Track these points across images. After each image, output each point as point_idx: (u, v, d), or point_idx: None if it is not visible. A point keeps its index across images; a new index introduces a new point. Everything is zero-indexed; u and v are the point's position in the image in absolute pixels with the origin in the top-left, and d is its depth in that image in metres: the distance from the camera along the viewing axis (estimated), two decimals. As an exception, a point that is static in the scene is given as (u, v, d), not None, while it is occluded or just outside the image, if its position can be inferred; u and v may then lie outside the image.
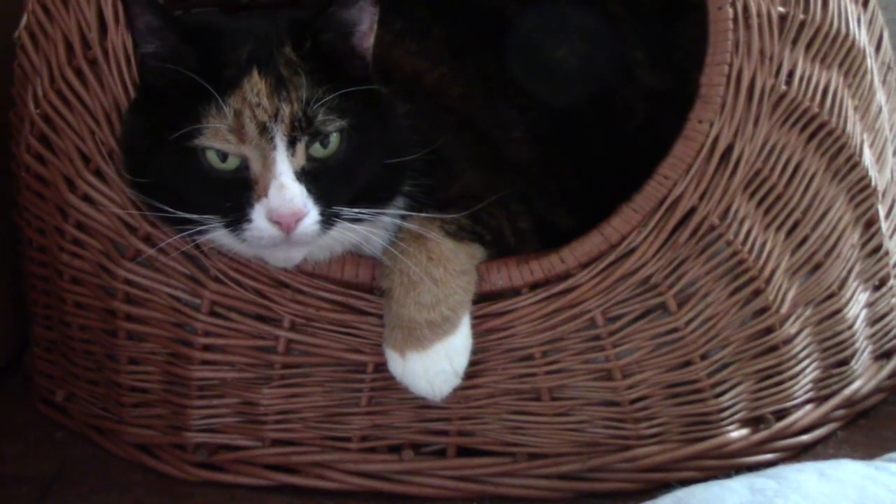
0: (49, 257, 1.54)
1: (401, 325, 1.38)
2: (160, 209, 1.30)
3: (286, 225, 1.26)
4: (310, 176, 1.28)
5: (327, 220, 1.29)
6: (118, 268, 1.46)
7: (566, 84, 1.63)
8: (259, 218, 1.27)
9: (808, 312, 1.50)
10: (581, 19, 1.66)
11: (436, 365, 1.38)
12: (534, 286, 1.42)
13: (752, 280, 1.45)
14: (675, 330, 1.44)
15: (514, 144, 1.58)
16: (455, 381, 1.39)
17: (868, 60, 1.51)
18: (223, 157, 1.28)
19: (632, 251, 1.41)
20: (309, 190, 1.27)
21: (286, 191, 1.26)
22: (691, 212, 1.41)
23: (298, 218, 1.27)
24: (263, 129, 1.27)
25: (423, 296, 1.36)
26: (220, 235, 1.31)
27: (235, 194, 1.28)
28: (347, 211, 1.30)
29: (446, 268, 1.37)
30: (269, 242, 1.28)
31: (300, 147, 1.28)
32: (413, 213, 1.38)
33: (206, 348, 1.46)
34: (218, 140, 1.27)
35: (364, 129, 1.32)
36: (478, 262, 1.41)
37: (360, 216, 1.31)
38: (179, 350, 1.47)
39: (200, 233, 1.31)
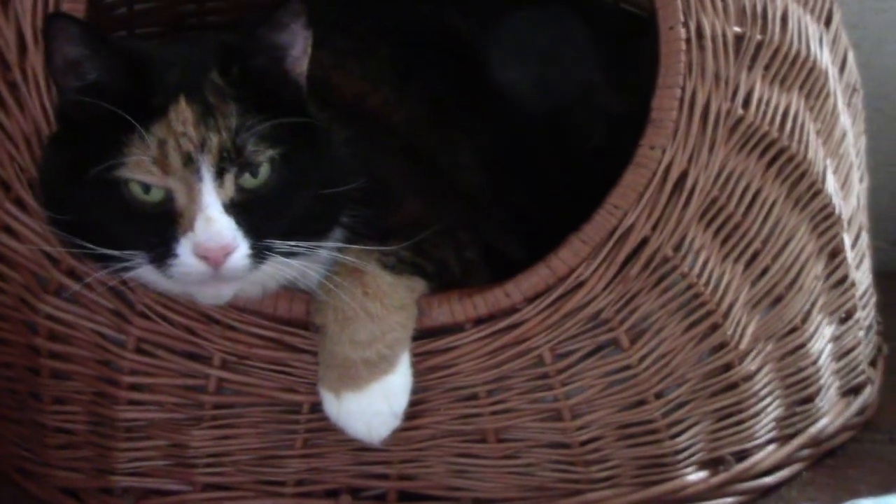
0: (-30, 291, 1.45)
1: (335, 364, 1.30)
2: (83, 246, 1.22)
3: (214, 260, 1.19)
4: (239, 208, 1.21)
5: (259, 255, 1.21)
6: (40, 302, 1.38)
7: (518, 107, 1.55)
8: (185, 253, 1.19)
9: (769, 348, 1.43)
10: (537, 40, 1.59)
11: (373, 406, 1.30)
12: (478, 321, 1.34)
13: (709, 314, 1.37)
14: (627, 367, 1.36)
15: (462, 170, 1.51)
16: (394, 422, 1.31)
17: (831, 82, 1.44)
18: (146, 188, 1.20)
19: (580, 285, 1.33)
20: (238, 223, 1.20)
21: (213, 224, 1.19)
22: (643, 243, 1.33)
23: (227, 252, 1.19)
24: (189, 160, 1.19)
25: (359, 333, 1.29)
26: (145, 272, 1.23)
27: (160, 228, 1.20)
28: (280, 244, 1.22)
29: (383, 303, 1.29)
30: (197, 279, 1.21)
31: (229, 178, 1.20)
32: (350, 246, 1.30)
33: (133, 387, 1.38)
34: (140, 172, 1.19)
35: (297, 158, 1.24)
36: (418, 295, 1.34)
37: (294, 250, 1.24)
38: (105, 389, 1.39)
39: (126, 269, 1.23)
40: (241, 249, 1.20)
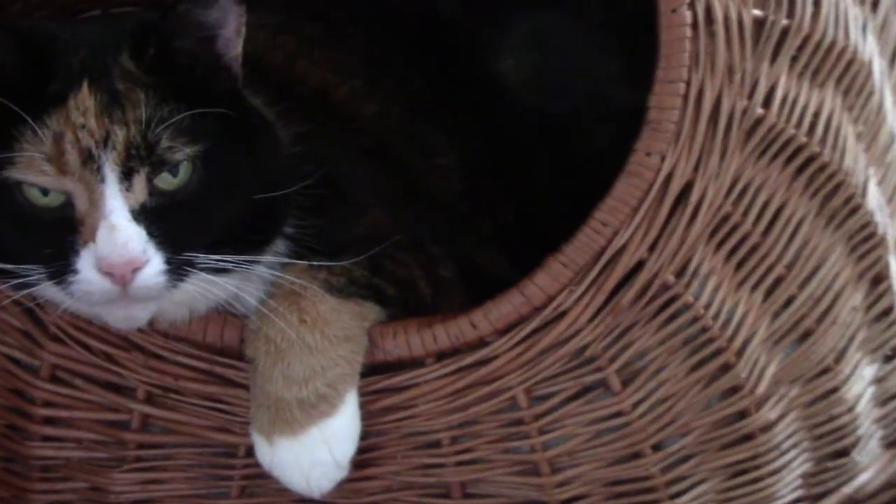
0: None
1: (267, 404, 1.11)
2: None
3: (120, 276, 1.00)
4: (152, 215, 1.02)
5: (176, 271, 1.03)
6: (-56, 320, 1.20)
7: (511, 102, 1.35)
8: (86, 268, 1.01)
9: (794, 392, 1.21)
10: (538, 25, 1.38)
11: (311, 454, 1.10)
12: (440, 356, 1.15)
13: (718, 352, 1.16)
14: (619, 414, 1.16)
15: (440, 174, 1.31)
16: (338, 473, 1.11)
17: (876, 77, 1.21)
18: (45, 192, 1.02)
19: (561, 316, 1.13)
20: (150, 232, 1.01)
21: (118, 233, 1.00)
22: (638, 267, 1.12)
23: (135, 267, 1.00)
24: (89, 158, 1.01)
25: (294, 368, 1.09)
26: (47, 288, 1.04)
27: (58, 239, 1.02)
28: (204, 258, 1.03)
29: (324, 332, 1.10)
30: (102, 298, 1.02)
31: (138, 179, 1.01)
32: (294, 262, 1.10)
33: (47, 421, 1.21)
34: (32, 171, 1.01)
35: (226, 156, 1.05)
36: (371, 324, 1.14)
37: (222, 266, 1.04)
38: (17, 422, 1.22)
39: (25, 286, 1.04)
40: (154, 264, 1.01)
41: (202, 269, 1.04)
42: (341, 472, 1.12)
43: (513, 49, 1.37)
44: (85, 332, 1.17)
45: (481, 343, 1.14)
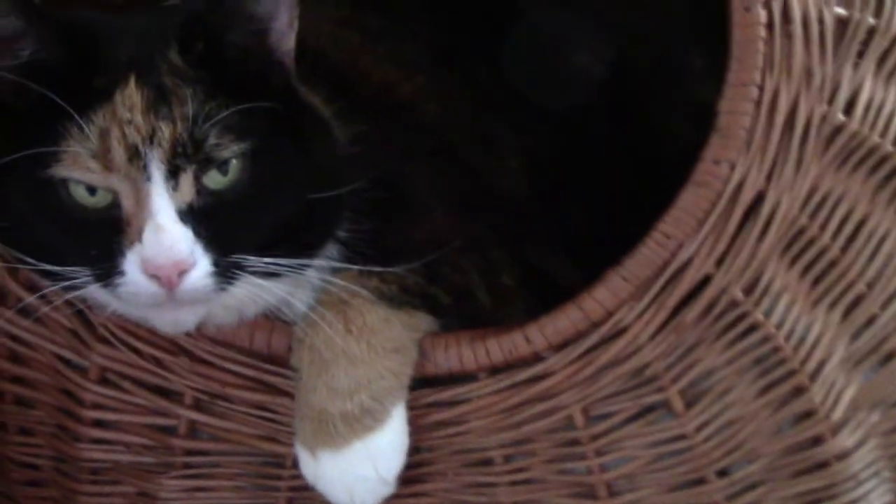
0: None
1: (311, 416, 1.07)
2: (22, 260, 1.02)
3: (167, 279, 0.97)
4: (200, 215, 0.98)
5: (224, 274, 0.99)
6: (-1, 317, 1.18)
7: (584, 97, 1.28)
8: (133, 270, 0.97)
9: (875, 418, 1.12)
10: (619, 15, 1.31)
11: (355, 469, 1.06)
12: (494, 371, 1.09)
13: (791, 374, 1.08)
14: (681, 437, 1.09)
15: (507, 175, 1.24)
16: (383, 489, 1.07)
17: (974, 81, 1.12)
18: (91, 190, 0.99)
19: (621, 332, 1.06)
20: (198, 233, 0.97)
21: (164, 235, 0.96)
22: (704, 282, 1.05)
23: (182, 270, 0.97)
24: (135, 155, 0.97)
25: (338, 379, 1.05)
26: (93, 291, 1.01)
27: (105, 239, 0.98)
28: (254, 261, 0.99)
29: (370, 343, 1.05)
30: (149, 301, 0.99)
31: (186, 178, 0.98)
32: (349, 266, 1.06)
33: (97, 423, 1.18)
34: (78, 168, 0.97)
35: (276, 153, 1.01)
36: (422, 334, 1.09)
37: (272, 269, 1.00)
38: (66, 423, 1.19)
39: (72, 287, 1.01)
40: (201, 267, 0.98)
41: (251, 273, 1.00)
42: (386, 489, 1.07)
43: (590, 41, 1.31)
44: (133, 335, 1.14)
45: (536, 358, 1.08)
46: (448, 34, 1.29)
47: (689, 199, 1.04)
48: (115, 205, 0.98)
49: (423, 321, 1.09)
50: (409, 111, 1.22)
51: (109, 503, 1.20)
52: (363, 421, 1.05)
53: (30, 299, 1.11)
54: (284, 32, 1.03)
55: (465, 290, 1.13)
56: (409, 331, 1.08)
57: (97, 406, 1.17)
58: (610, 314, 1.06)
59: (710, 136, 1.03)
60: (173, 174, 0.97)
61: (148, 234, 0.96)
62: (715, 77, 1.22)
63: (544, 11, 1.31)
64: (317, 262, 1.06)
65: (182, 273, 0.97)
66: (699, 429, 1.09)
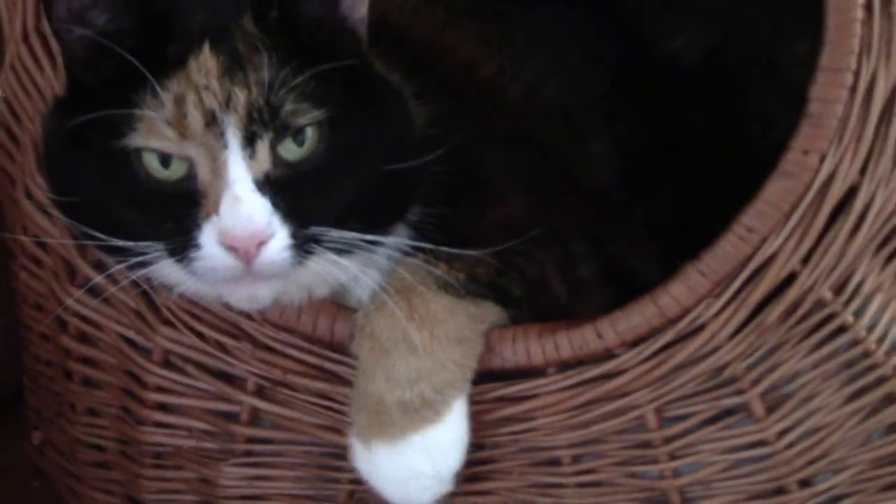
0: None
1: (368, 407, 1.02)
2: (91, 235, 1.00)
3: (244, 251, 0.93)
4: (277, 186, 0.95)
5: (302, 247, 0.95)
6: (67, 295, 1.17)
7: (679, 84, 1.22)
8: (209, 242, 0.94)
9: (972, 431, 1.05)
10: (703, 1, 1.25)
11: (411, 463, 1.02)
12: (563, 367, 1.04)
13: (882, 381, 1.02)
14: (761, 443, 1.03)
15: (592, 163, 1.19)
16: (439, 486, 1.03)
17: None
18: (165, 161, 0.96)
19: (698, 330, 1.01)
20: (276, 204, 0.94)
21: (242, 205, 0.93)
22: (789, 280, 0.99)
23: (260, 241, 0.93)
24: (212, 121, 0.94)
25: (398, 368, 1.01)
26: (166, 267, 0.99)
27: (181, 212, 0.95)
28: (332, 235, 0.96)
29: (433, 332, 1.01)
30: (226, 274, 0.95)
31: (262, 146, 0.94)
32: (417, 245, 1.02)
33: (160, 407, 1.16)
34: (153, 136, 0.95)
35: (353, 123, 0.97)
36: (489, 326, 1.04)
37: (350, 243, 0.96)
38: (131, 406, 1.17)
39: (142, 264, 0.99)
40: (279, 239, 0.94)
41: (328, 247, 0.96)
42: (443, 486, 1.03)
43: (686, 25, 1.25)
44: (197, 318, 1.12)
45: (608, 355, 1.03)
46: (538, 16, 1.23)
47: (775, 191, 0.98)
48: (190, 176, 0.95)
49: (491, 312, 1.04)
50: (491, 91, 1.17)
51: (171, 488, 1.18)
52: (422, 412, 1.01)
53: (98, 279, 1.09)
54: (356, 1, 0.98)
55: (539, 281, 1.08)
56: (475, 322, 1.03)
57: (160, 389, 1.15)
58: (686, 311, 1.00)
59: (800, 124, 0.97)
60: (250, 141, 0.94)
61: (225, 205, 0.93)
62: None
63: None
64: (390, 239, 1.01)
65: (260, 245, 0.93)
66: (781, 435, 1.03)
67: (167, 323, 1.13)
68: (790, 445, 1.03)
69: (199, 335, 1.12)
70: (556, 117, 1.19)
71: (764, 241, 0.98)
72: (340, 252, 0.97)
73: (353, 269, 0.99)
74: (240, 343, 1.10)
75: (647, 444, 1.04)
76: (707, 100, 1.23)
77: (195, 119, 0.94)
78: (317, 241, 0.95)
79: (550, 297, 1.09)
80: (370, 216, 0.98)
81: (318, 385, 1.09)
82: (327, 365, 1.08)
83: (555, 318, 1.06)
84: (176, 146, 0.94)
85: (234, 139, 0.94)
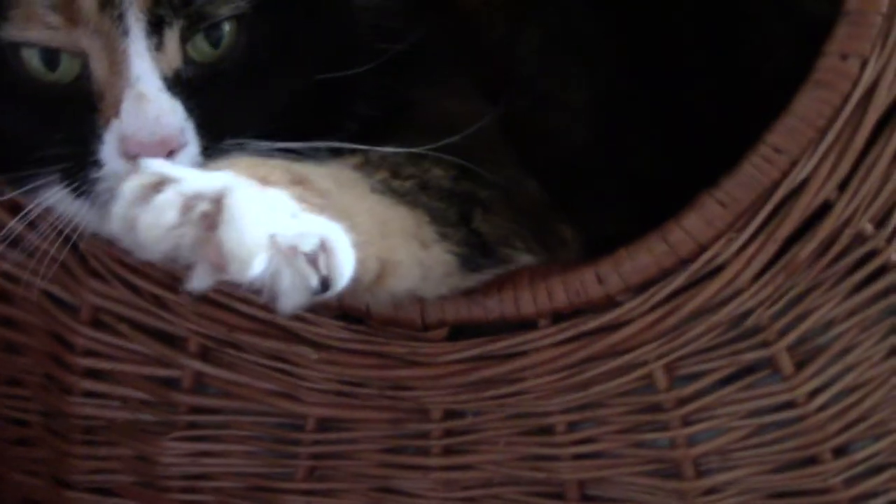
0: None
1: None
2: None
3: (151, 154, 0.78)
4: (190, 88, 0.80)
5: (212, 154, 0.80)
6: (-22, 245, 1.03)
7: (666, 16, 1.07)
8: (111, 155, 0.80)
9: None
10: None
11: None
12: (557, 318, 0.89)
13: (931, 330, 0.87)
14: (789, 405, 0.90)
15: (565, 116, 1.03)
16: None
17: None
18: (52, 61, 0.80)
19: (716, 271, 0.87)
20: (189, 109, 0.80)
21: (148, 104, 0.79)
22: (823, 210, 0.85)
23: (170, 149, 0.79)
24: (106, 2, 0.78)
25: None
26: (62, 200, 0.84)
27: (75, 123, 0.81)
28: (253, 146, 0.81)
29: None
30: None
31: (171, 37, 0.80)
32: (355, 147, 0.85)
33: (89, 373, 1.01)
34: (33, 24, 0.79)
35: (280, 15, 0.83)
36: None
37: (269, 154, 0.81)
38: (56, 372, 1.02)
39: (35, 194, 0.84)
40: (191, 150, 0.80)
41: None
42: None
43: None
44: (129, 269, 0.97)
45: (610, 303, 0.89)
46: None
47: (807, 104, 0.83)
48: (83, 76, 0.80)
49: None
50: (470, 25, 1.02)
51: (104, 467, 1.04)
52: None
53: (11, 224, 0.94)
54: None
55: (506, 212, 0.91)
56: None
57: (90, 353, 1.01)
58: (702, 248, 0.86)
59: (837, 23, 0.82)
60: (156, 29, 0.79)
61: (127, 106, 0.79)
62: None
63: None
64: (317, 144, 0.85)
65: (170, 154, 0.79)
66: (812, 395, 0.89)
67: (96, 275, 0.98)
68: (823, 407, 0.89)
69: (133, 288, 0.97)
70: (536, 65, 1.04)
71: (794, 163, 0.84)
72: None
73: None
74: (179, 297, 0.95)
75: (655, 408, 0.91)
76: (690, 32, 1.08)
77: (86, 0, 0.78)
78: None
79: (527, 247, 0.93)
80: (297, 128, 0.83)
81: (270, 344, 0.95)
82: (280, 320, 0.94)
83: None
84: (63, 36, 0.79)
85: (136, 25, 0.79)
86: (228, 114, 0.81)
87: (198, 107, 0.80)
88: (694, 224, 0.86)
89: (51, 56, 0.80)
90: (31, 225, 0.93)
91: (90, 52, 0.79)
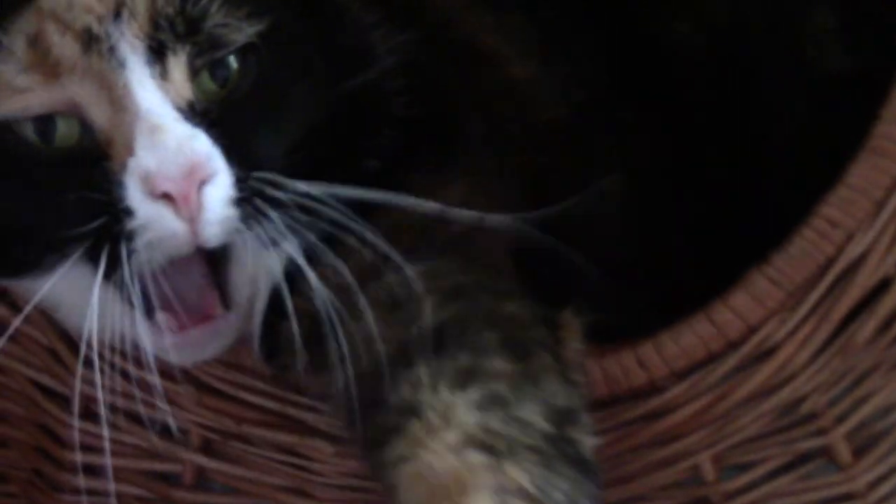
0: None
1: None
2: None
3: (183, 194, 0.69)
4: (206, 117, 0.72)
5: (251, 202, 0.72)
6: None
7: (683, 77, 1.02)
8: (138, 197, 0.70)
9: None
10: None
11: None
12: (595, 406, 0.83)
13: None
14: (848, 497, 0.85)
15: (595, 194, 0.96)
16: None
17: None
18: (44, 130, 0.72)
19: (768, 354, 0.82)
20: (211, 136, 0.71)
21: (165, 133, 0.70)
22: (883, 287, 0.80)
23: (202, 178, 0.70)
24: (91, 40, 0.71)
25: None
26: (80, 277, 0.74)
27: (91, 187, 0.71)
28: (287, 183, 0.72)
29: None
30: (170, 245, 0.71)
31: (177, 64, 0.72)
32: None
33: (82, 469, 0.94)
34: (8, 95, 0.71)
35: (290, 35, 0.76)
36: None
37: (308, 199, 0.72)
38: (44, 468, 0.97)
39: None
40: (223, 179, 0.71)
41: (283, 202, 0.72)
42: None
43: (689, 7, 1.05)
44: (124, 356, 0.90)
45: (653, 389, 0.83)
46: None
47: (864, 173, 0.79)
48: (86, 134, 0.72)
49: None
50: (490, 65, 0.95)
51: (97, 576, 0.97)
52: None
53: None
54: None
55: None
56: None
57: (82, 447, 0.93)
58: (753, 330, 0.81)
59: (891, 90, 0.77)
60: (158, 56, 0.71)
61: (142, 140, 0.70)
62: (849, 42, 1.01)
63: None
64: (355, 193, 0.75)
65: (202, 184, 0.70)
66: (872, 486, 0.85)
67: (88, 363, 0.91)
68: (884, 499, 0.85)
69: (128, 377, 0.90)
70: (560, 133, 0.97)
71: (850, 237, 0.80)
72: (301, 211, 0.73)
73: (310, 238, 0.74)
74: (180, 386, 0.89)
75: (702, 502, 0.85)
76: (710, 91, 1.03)
77: (65, 46, 0.71)
78: (265, 196, 0.71)
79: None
80: (323, 159, 0.75)
81: (282, 437, 0.89)
82: (291, 411, 0.88)
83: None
84: (47, 96, 0.71)
85: (132, 55, 0.71)
86: (254, 140, 0.73)
87: (220, 134, 0.72)
88: (743, 303, 0.81)
89: (43, 125, 0.72)
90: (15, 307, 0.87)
91: (84, 102, 0.71)
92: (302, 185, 0.72)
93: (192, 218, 0.70)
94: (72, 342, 0.92)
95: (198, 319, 0.77)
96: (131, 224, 0.70)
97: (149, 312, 0.76)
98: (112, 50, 0.70)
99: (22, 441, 0.97)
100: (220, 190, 0.70)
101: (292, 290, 0.75)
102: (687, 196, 1.00)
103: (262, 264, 0.76)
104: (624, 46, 1.03)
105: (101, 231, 0.71)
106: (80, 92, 0.71)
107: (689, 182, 1.00)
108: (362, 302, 0.70)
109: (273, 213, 0.72)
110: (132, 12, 0.71)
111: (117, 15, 0.71)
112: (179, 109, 0.71)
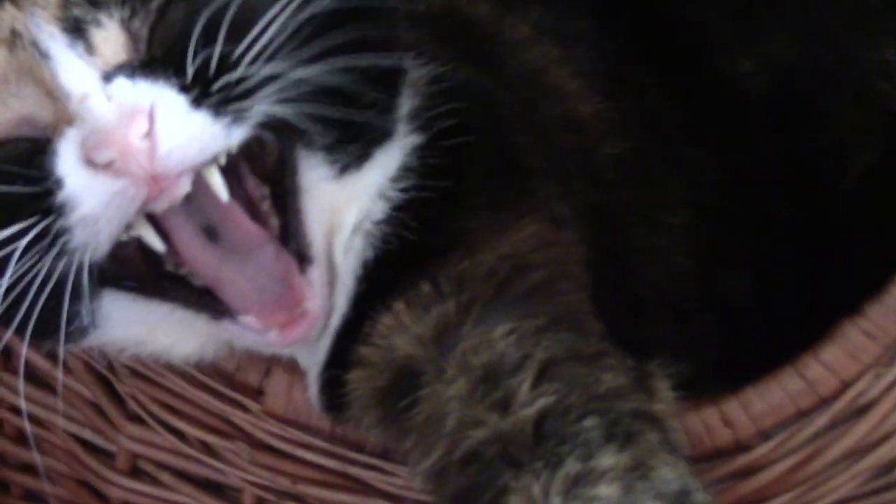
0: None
1: None
2: None
3: (121, 149, 0.65)
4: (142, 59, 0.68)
5: (219, 103, 0.66)
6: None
7: (748, 116, 0.98)
8: (74, 168, 0.66)
9: None
10: (786, 7, 1.01)
11: None
12: (675, 464, 0.78)
13: None
14: None
15: (664, 239, 0.91)
16: None
17: None
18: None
19: (862, 411, 0.77)
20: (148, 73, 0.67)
21: (92, 98, 0.66)
22: None
23: (138, 123, 0.65)
24: (14, 40, 0.69)
25: None
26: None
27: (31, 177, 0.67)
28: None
29: None
30: (115, 214, 0.66)
31: (100, 32, 0.68)
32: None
33: (126, 529, 0.91)
34: None
35: None
36: None
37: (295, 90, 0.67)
38: (86, 527, 0.92)
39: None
40: (167, 99, 0.66)
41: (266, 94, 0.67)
42: None
43: (750, 43, 1.00)
44: (173, 412, 0.87)
45: (738, 448, 0.78)
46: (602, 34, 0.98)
47: (966, 218, 0.73)
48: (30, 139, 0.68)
49: None
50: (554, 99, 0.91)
51: None
52: None
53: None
54: None
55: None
56: None
57: (127, 505, 0.90)
58: (845, 385, 0.77)
59: None
60: (77, 33, 0.68)
61: (79, 109, 0.66)
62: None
63: (693, 16, 1.01)
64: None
65: (140, 127, 0.65)
66: None
67: (134, 418, 0.88)
68: None
69: (178, 433, 0.87)
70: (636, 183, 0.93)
71: None
72: (288, 101, 0.67)
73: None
74: (233, 443, 0.85)
75: None
76: (778, 132, 0.99)
77: None
78: (229, 85, 0.66)
79: None
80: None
81: (341, 497, 0.84)
82: (352, 470, 0.83)
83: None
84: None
85: (51, 40, 0.67)
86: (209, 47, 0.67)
87: (162, 63, 0.67)
88: (835, 357, 0.76)
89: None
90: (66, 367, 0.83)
91: (29, 111, 0.68)
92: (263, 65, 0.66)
93: (150, 157, 0.65)
94: (118, 395, 0.88)
95: (286, 305, 0.72)
96: (61, 194, 0.66)
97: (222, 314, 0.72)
98: (35, 44, 0.67)
99: (63, 499, 0.94)
100: (166, 113, 0.65)
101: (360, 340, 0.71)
102: (756, 238, 0.96)
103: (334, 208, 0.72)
104: (688, 82, 0.99)
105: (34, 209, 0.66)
106: (24, 103, 0.68)
107: (758, 224, 0.96)
108: (449, 362, 0.66)
109: (250, 96, 0.66)
110: (44, 3, 0.68)
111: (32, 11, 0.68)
112: (107, 75, 0.67)
